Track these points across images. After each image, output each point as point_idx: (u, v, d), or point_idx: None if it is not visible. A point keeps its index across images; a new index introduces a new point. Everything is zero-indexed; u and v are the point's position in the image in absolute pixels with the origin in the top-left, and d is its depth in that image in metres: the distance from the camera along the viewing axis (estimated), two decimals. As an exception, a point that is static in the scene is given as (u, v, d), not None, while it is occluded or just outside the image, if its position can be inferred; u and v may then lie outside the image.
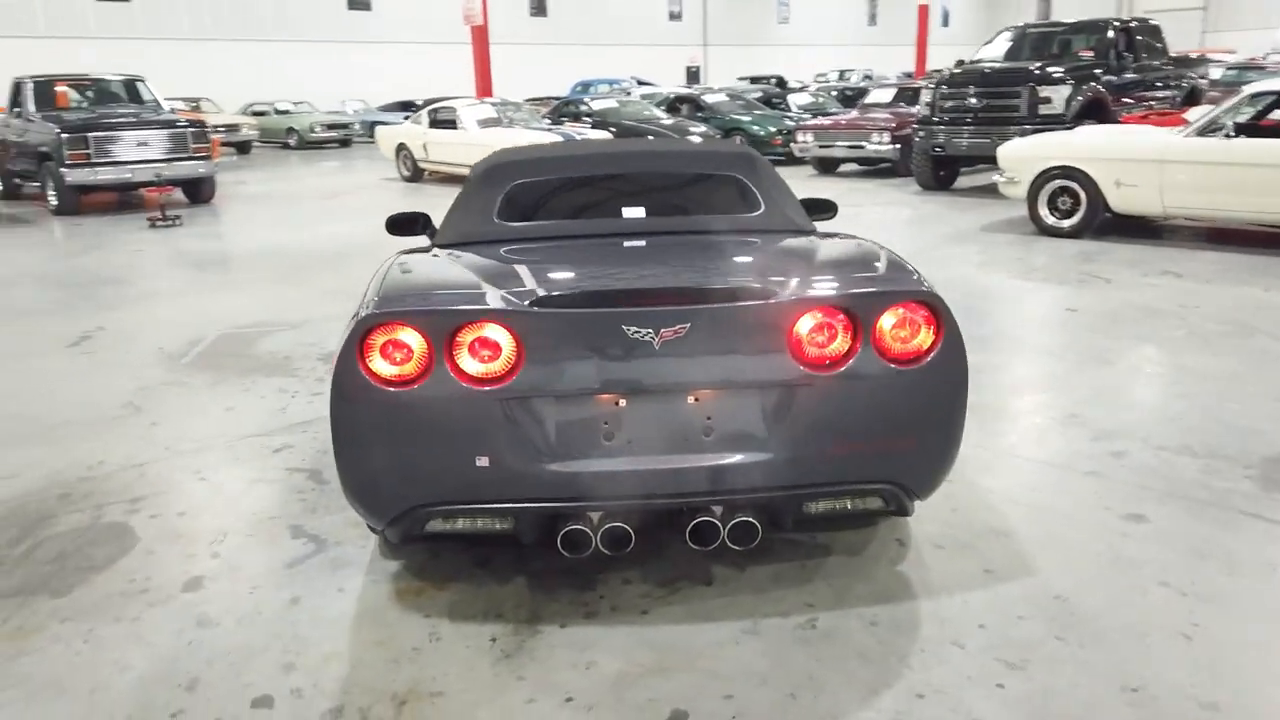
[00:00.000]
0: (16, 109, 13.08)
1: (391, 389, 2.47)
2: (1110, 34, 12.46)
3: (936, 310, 2.57)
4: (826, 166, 15.55)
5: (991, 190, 9.71)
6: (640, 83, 30.07)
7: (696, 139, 15.21)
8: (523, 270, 2.80)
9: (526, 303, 2.47)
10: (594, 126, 15.95)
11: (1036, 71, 11.64)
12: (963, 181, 13.39)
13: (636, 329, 2.43)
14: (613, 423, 2.53)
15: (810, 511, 2.70)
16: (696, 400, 2.55)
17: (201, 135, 12.92)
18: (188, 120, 13.02)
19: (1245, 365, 4.89)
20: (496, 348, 2.47)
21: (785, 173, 15.68)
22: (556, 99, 22.21)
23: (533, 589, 2.89)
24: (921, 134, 12.41)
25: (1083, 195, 8.63)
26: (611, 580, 2.93)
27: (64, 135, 11.86)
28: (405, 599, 2.85)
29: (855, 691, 2.38)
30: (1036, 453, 3.85)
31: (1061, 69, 11.72)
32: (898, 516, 2.85)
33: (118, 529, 3.36)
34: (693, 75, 42.52)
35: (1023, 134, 11.07)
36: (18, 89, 13.11)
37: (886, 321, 2.55)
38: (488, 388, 2.47)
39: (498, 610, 2.78)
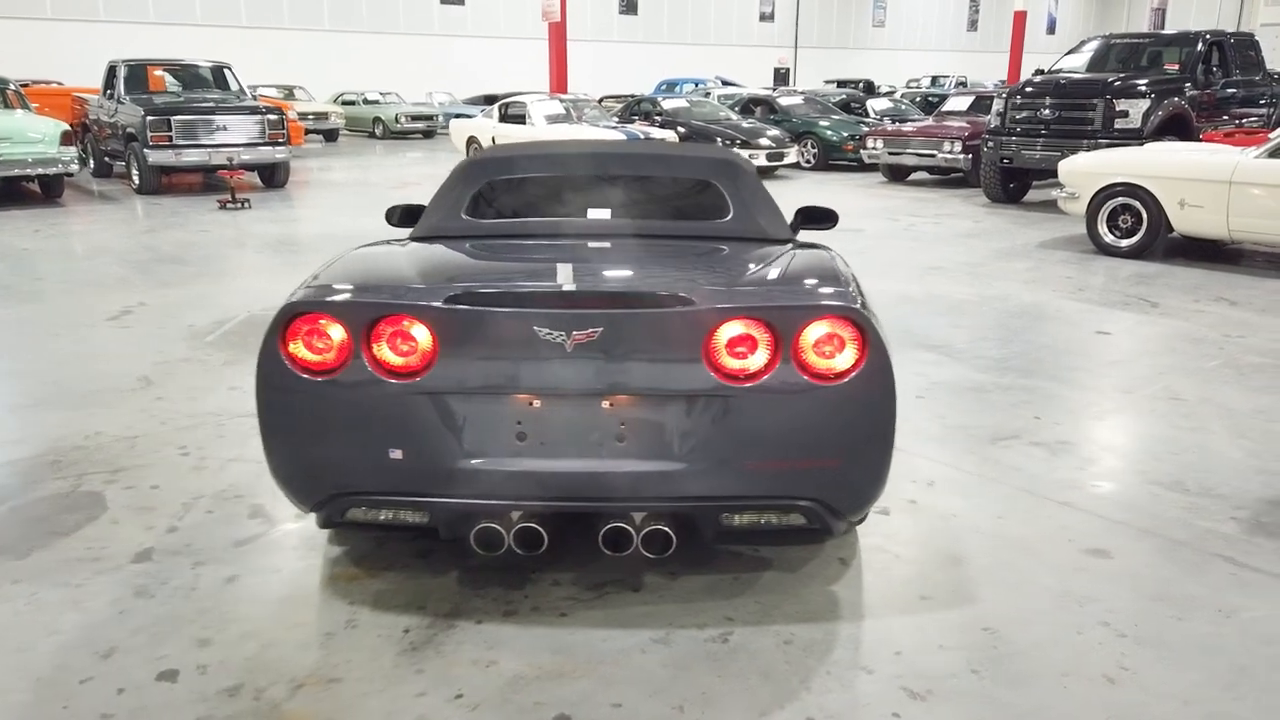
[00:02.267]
0: (109, 91, 13.70)
1: (311, 376, 2.53)
2: (1199, 47, 11.92)
3: (861, 327, 2.50)
4: (897, 174, 15.24)
5: (1060, 205, 9.39)
6: (725, 83, 29.93)
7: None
8: (460, 266, 2.83)
9: (443, 299, 2.49)
10: (663, 126, 15.97)
11: (1114, 84, 11.22)
12: (1034, 195, 12.99)
13: (548, 331, 2.43)
14: (526, 423, 2.54)
15: (731, 525, 2.66)
16: (611, 405, 2.53)
17: (278, 123, 13.33)
18: (266, 107, 13.45)
19: (1275, 401, 4.64)
20: (413, 342, 2.50)
21: (855, 179, 15.54)
22: (631, 96, 22.27)
23: (463, 584, 2.91)
24: (990, 144, 12.08)
25: (1144, 214, 8.29)
26: (542, 581, 2.93)
27: (148, 117, 12.38)
28: (337, 584, 2.91)
29: (745, 710, 2.33)
30: (1016, 478, 3.71)
31: (1142, 82, 11.27)
32: (824, 537, 2.78)
33: (93, 498, 3.50)
34: (781, 77, 42.15)
35: (1095, 148, 10.71)
36: (111, 72, 13.72)
37: (808, 336, 2.49)
38: (402, 381, 2.50)
39: (421, 602, 2.81)
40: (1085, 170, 8.71)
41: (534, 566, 2.99)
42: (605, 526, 2.59)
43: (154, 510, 3.40)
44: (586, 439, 2.54)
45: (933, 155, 14.17)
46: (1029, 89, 11.87)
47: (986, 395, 4.74)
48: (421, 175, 16.19)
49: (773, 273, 2.81)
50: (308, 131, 23.24)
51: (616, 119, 16.33)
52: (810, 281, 2.71)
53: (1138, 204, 8.33)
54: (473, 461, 2.53)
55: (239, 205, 11.69)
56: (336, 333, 2.52)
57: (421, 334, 2.49)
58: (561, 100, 15.64)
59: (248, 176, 13.87)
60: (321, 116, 24.22)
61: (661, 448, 2.54)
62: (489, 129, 15.73)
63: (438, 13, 34.06)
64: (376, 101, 27.35)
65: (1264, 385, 4.88)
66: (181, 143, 12.60)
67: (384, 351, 2.51)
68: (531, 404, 2.53)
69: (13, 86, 12.53)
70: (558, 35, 20.31)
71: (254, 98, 14.38)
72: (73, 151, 11.69)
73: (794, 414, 2.51)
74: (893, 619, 2.73)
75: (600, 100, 22.61)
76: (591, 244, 3.14)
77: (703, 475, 2.53)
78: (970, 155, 13.69)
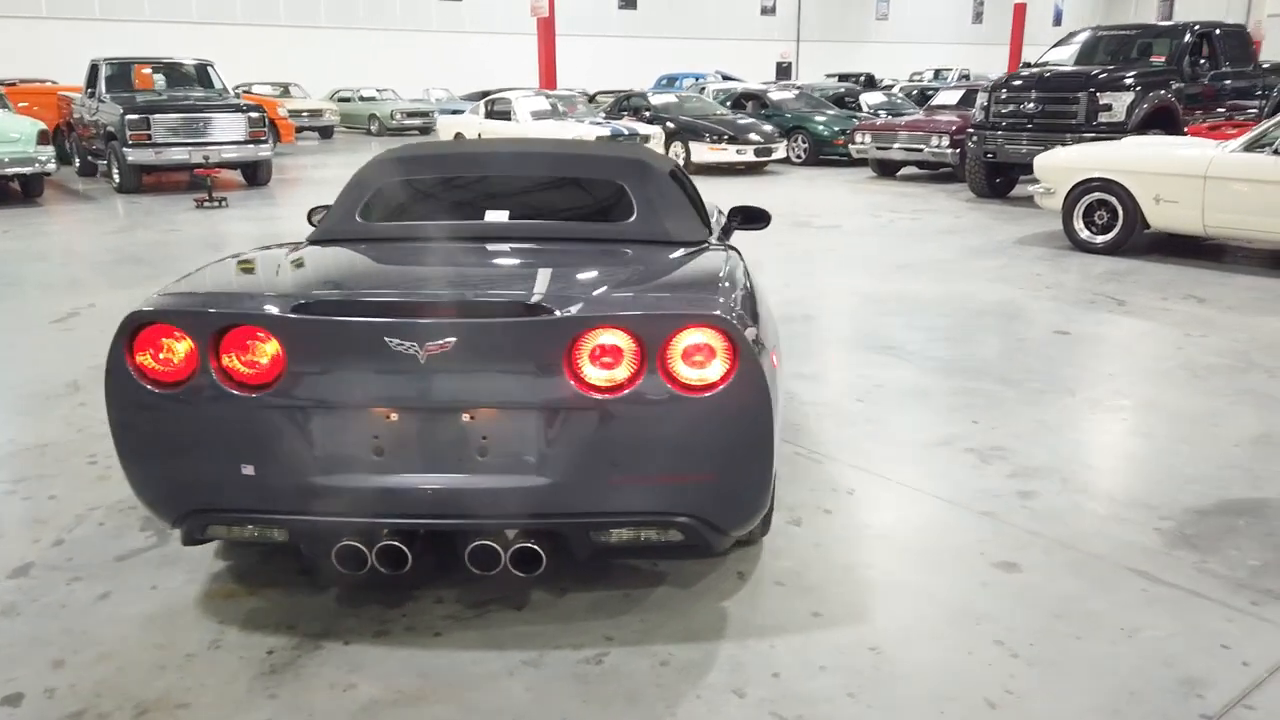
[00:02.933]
0: (91, 89, 13.65)
1: (157, 389, 2.43)
2: (1187, 38, 11.73)
3: (732, 336, 2.39)
4: (886, 169, 15.08)
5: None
6: (725, 77, 29.73)
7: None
8: (329, 273, 2.73)
9: (289, 308, 2.39)
10: (651, 121, 15.84)
11: (1099, 77, 11.05)
12: (1020, 190, 12.81)
13: (399, 341, 2.33)
14: (383, 437, 2.44)
15: (606, 542, 2.56)
16: (472, 419, 2.43)
17: (260, 120, 13.26)
18: (247, 105, 13.37)
19: (1225, 404, 4.50)
20: (262, 353, 2.40)
21: (844, 175, 15.37)
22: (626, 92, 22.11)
23: (341, 601, 2.82)
24: (975, 139, 11.93)
25: (1120, 210, 8.13)
26: (425, 598, 2.84)
27: (127, 116, 12.32)
28: (210, 602, 2.81)
29: (601, 739, 2.23)
30: (938, 487, 3.60)
31: (1127, 75, 11.09)
32: (708, 553, 2.67)
33: (-15, 509, 3.42)
34: (783, 71, 41.90)
35: (1080, 142, 10.55)
36: (94, 70, 13.67)
37: (675, 346, 2.38)
38: (250, 394, 2.40)
39: (293, 621, 2.71)
40: (1061, 165, 8.56)
41: (417, 583, 2.89)
42: (472, 544, 2.49)
43: (45, 523, 3.32)
44: (446, 454, 2.44)
45: (920, 150, 14.01)
46: (1014, 82, 11.72)
47: (929, 399, 4.62)
48: (408, 172, 16.07)
49: (653, 279, 2.70)
50: (302, 129, 23.18)
51: (604, 115, 16.21)
52: (687, 288, 2.61)
53: (1113, 199, 8.17)
54: (328, 477, 2.44)
55: (215, 204, 11.63)
56: (181, 344, 2.42)
57: (269, 345, 2.39)
58: (548, 96, 15.52)
59: (230, 174, 13.81)
60: (316, 114, 24.18)
61: (524, 462, 2.43)
62: (475, 125, 15.64)
63: (435, 9, 33.97)
64: (372, 98, 27.28)
65: (1216, 388, 4.74)
66: (161, 141, 12.54)
67: (232, 363, 2.41)
68: (388, 417, 2.43)
69: (-9, 86, 12.50)
70: (546, 30, 20.19)
71: (237, 95, 14.30)
72: (50, 151, 11.64)
73: (663, 427, 2.40)
74: (778, 638, 2.63)
75: (593, 96, 22.48)
76: (483, 248, 3.04)
77: (569, 491, 2.43)
78: (957, 150, 13.52)
